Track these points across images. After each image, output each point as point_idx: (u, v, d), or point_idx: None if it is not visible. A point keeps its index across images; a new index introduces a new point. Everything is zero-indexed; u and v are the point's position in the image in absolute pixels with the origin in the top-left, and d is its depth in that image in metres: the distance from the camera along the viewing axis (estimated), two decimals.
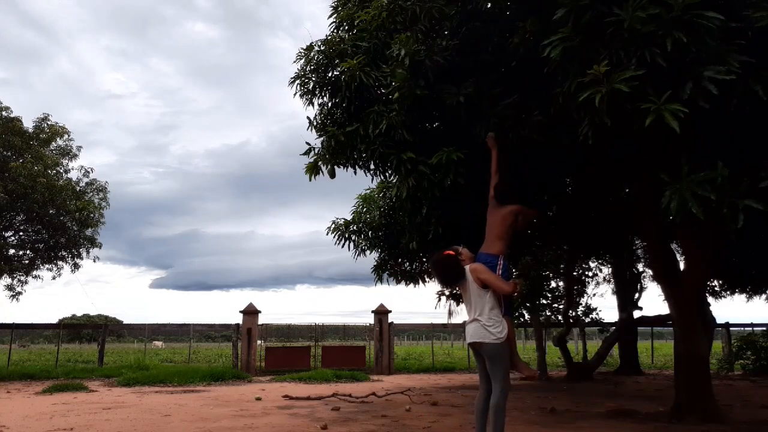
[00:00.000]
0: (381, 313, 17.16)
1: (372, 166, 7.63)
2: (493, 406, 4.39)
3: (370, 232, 10.48)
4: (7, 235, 16.81)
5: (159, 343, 40.58)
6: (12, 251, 16.99)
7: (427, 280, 11.84)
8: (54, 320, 28.54)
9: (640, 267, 16.39)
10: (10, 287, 17.16)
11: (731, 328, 18.49)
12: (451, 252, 4.70)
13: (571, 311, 14.80)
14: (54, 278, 17.84)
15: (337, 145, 6.88)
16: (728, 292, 15.30)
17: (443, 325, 18.11)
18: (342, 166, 7.41)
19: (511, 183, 5.65)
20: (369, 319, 17.44)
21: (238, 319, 16.63)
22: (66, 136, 17.20)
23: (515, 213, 5.02)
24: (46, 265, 17.36)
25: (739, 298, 15.62)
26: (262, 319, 16.80)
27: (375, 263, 11.11)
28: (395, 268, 11.16)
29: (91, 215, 16.99)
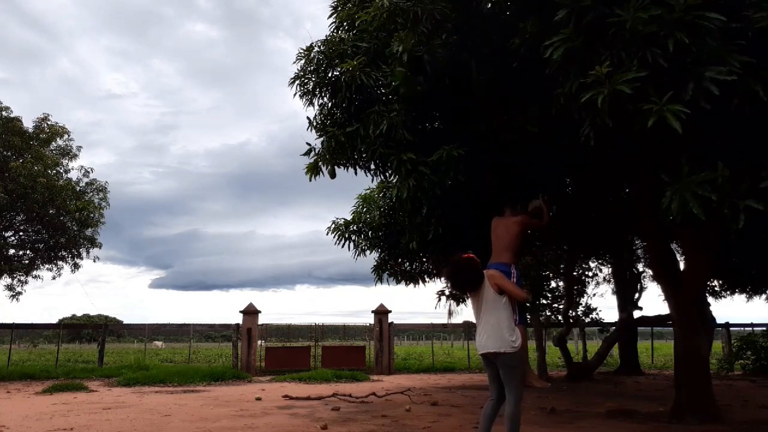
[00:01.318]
0: (381, 313, 17.16)
1: (372, 167, 7.63)
2: (509, 415, 4.33)
3: (370, 232, 10.49)
4: (7, 235, 16.81)
5: (159, 343, 40.58)
6: (12, 251, 16.99)
7: (427, 280, 11.83)
8: (54, 320, 28.59)
9: (640, 267, 16.39)
10: (10, 287, 17.17)
11: (731, 328, 18.49)
12: (473, 255, 4.62)
13: (571, 311, 14.79)
14: (54, 278, 17.87)
15: (338, 146, 6.89)
16: (728, 292, 15.29)
17: (443, 325, 18.10)
18: (342, 167, 7.41)
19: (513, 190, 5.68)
20: (369, 319, 17.46)
21: (238, 318, 16.64)
22: (66, 136, 17.22)
23: (521, 223, 5.01)
24: (46, 265, 17.38)
25: (739, 298, 15.63)
26: (262, 319, 16.81)
27: (375, 263, 11.11)
28: (395, 268, 11.16)
29: (91, 215, 16.99)
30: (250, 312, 16.53)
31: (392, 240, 10.07)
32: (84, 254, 17.46)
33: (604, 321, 16.22)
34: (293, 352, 16.96)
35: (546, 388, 5.11)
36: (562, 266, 14.36)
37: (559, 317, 15.06)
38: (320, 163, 7.29)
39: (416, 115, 6.55)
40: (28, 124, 16.63)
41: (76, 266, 17.63)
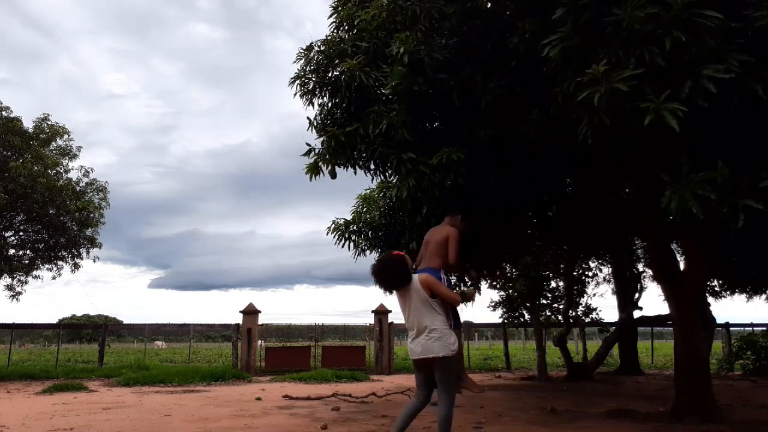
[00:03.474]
0: (381, 313, 17.15)
1: (372, 166, 7.63)
2: (443, 418, 4.19)
3: (370, 232, 10.48)
4: (7, 235, 16.82)
5: (160, 343, 40.61)
6: (12, 251, 17.00)
7: None
8: (54, 320, 28.59)
9: (640, 267, 16.38)
10: (10, 287, 17.17)
11: (731, 328, 18.49)
12: (402, 253, 4.49)
13: (571, 311, 14.79)
14: (54, 278, 17.87)
15: (338, 146, 6.89)
16: (728, 292, 15.29)
17: None
18: (342, 166, 7.41)
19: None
20: (369, 319, 17.46)
21: (237, 318, 16.64)
22: (66, 136, 17.23)
23: (447, 239, 5.04)
24: (46, 265, 17.38)
25: (739, 298, 15.63)
26: (261, 319, 16.82)
27: None
28: None
29: (91, 215, 17.00)
30: (250, 312, 16.52)
31: (392, 240, 10.06)
32: (84, 254, 17.47)
33: (604, 321, 16.21)
34: (293, 352, 16.96)
35: (482, 393, 5.20)
36: (562, 266, 14.35)
37: (559, 317, 15.06)
38: (320, 163, 7.29)
39: (416, 115, 6.54)
40: (28, 124, 16.67)
41: (76, 266, 17.64)
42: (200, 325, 18.62)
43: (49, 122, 16.99)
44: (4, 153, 15.85)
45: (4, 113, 16.16)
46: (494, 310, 15.63)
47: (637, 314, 15.54)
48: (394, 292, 4.50)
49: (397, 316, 19.48)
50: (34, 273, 17.42)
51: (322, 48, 7.25)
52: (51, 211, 16.26)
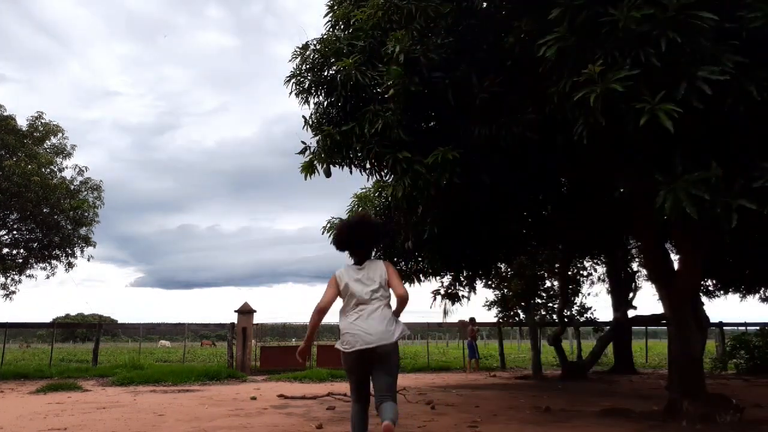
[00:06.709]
0: None
1: (368, 166, 7.62)
2: (395, 416, 3.89)
3: None
4: (0, 233, 16.72)
5: (167, 343, 40.59)
6: (5, 250, 16.90)
7: (422, 279, 11.84)
8: (48, 319, 28.45)
9: (635, 266, 16.45)
10: (3, 286, 17.08)
11: (725, 328, 18.58)
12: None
13: (565, 311, 14.83)
14: (48, 277, 17.75)
15: (333, 145, 6.88)
16: (722, 292, 15.36)
17: (438, 324, 18.12)
18: (337, 165, 7.40)
19: None
20: None
21: (231, 317, 16.62)
22: (60, 135, 17.12)
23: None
24: (40, 264, 17.28)
25: (733, 298, 15.72)
26: (256, 319, 16.79)
27: None
28: None
29: (86, 214, 16.91)
30: (245, 311, 16.49)
31: (388, 239, 10.06)
32: (78, 253, 17.39)
33: (599, 320, 16.25)
34: (288, 352, 16.93)
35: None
36: (556, 265, 14.39)
37: (554, 316, 15.10)
38: (315, 162, 7.28)
39: (412, 115, 6.55)
40: (22, 122, 16.56)
41: (70, 265, 17.54)
42: (195, 324, 18.59)
43: (42, 120, 16.89)
44: None
45: None
46: (489, 309, 15.67)
47: (631, 313, 15.59)
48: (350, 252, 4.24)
49: None
50: (28, 272, 17.33)
51: (317, 47, 7.23)
52: (45, 210, 16.17)
